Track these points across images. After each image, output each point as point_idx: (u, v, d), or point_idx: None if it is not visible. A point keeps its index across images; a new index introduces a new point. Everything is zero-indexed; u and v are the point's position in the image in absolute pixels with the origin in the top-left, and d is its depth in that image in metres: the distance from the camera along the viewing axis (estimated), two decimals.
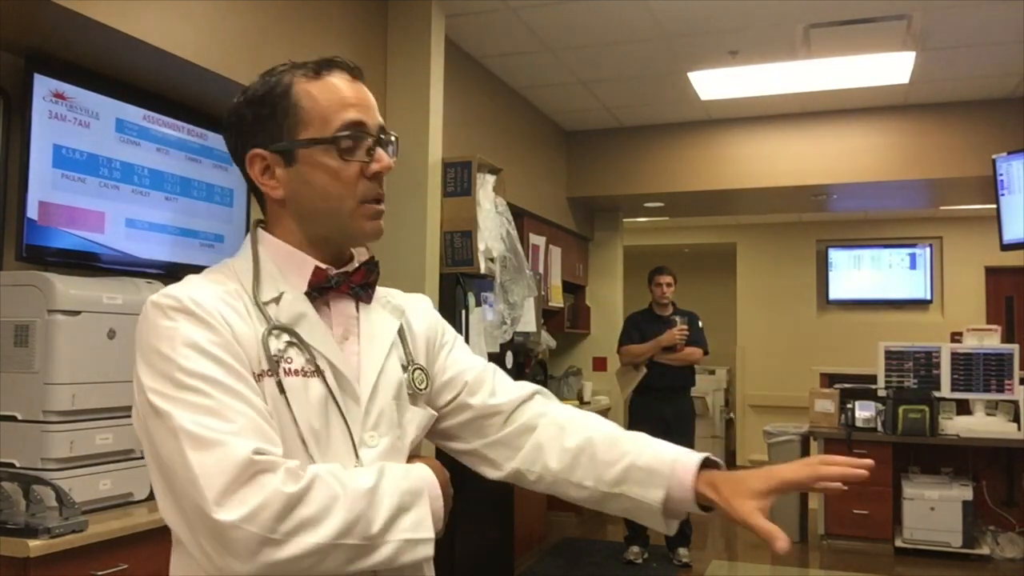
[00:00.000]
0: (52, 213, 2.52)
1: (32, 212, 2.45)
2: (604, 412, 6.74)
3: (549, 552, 5.44)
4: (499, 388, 1.21)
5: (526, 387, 1.22)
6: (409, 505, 0.98)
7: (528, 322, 4.73)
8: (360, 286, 1.13)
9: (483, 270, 3.99)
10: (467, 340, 3.84)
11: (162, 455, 0.93)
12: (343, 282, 1.10)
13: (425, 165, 3.82)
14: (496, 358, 4.12)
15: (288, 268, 1.08)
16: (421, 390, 1.15)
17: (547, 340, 5.93)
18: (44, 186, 2.49)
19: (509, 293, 4.26)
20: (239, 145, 1.10)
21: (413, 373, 1.15)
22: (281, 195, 1.08)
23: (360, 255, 1.18)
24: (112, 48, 2.58)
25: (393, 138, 1.13)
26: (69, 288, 2.26)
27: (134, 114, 2.82)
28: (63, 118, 2.56)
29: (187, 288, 1.02)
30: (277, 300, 1.05)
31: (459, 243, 3.90)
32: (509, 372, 4.61)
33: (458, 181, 3.93)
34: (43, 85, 2.51)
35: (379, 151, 1.09)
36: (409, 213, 3.78)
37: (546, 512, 5.58)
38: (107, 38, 2.48)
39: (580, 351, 7.09)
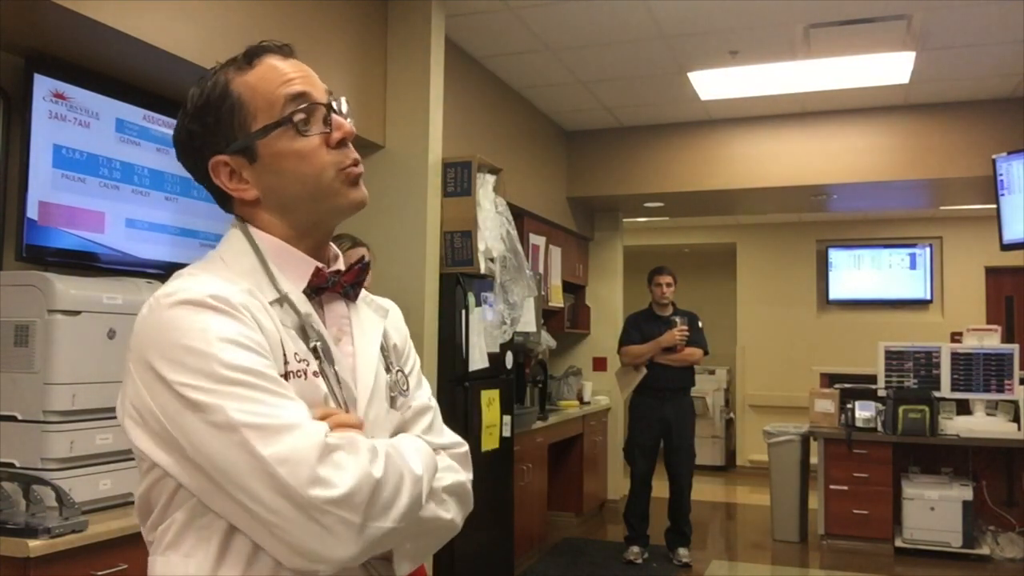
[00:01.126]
0: (52, 213, 2.52)
1: (32, 212, 2.45)
2: (604, 412, 6.75)
3: (549, 552, 5.44)
4: (436, 429, 1.17)
5: (451, 438, 1.16)
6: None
7: (528, 322, 4.73)
8: (351, 285, 1.11)
9: (483, 270, 3.99)
10: (467, 340, 3.85)
11: (209, 452, 0.89)
12: (337, 282, 1.09)
13: (425, 165, 3.82)
14: (496, 358, 4.12)
15: (285, 266, 1.05)
16: (404, 392, 1.14)
17: (547, 340, 5.93)
18: (44, 186, 2.49)
19: (509, 293, 4.26)
20: (197, 161, 1.06)
21: (397, 375, 1.15)
22: (255, 195, 1.05)
23: (353, 256, 1.16)
24: (112, 48, 2.58)
25: (343, 100, 1.09)
26: (69, 288, 2.25)
27: (134, 114, 2.82)
28: (63, 118, 2.56)
29: (206, 285, 0.97)
30: (282, 300, 1.03)
31: (459, 243, 3.89)
32: (509, 372, 4.60)
33: (458, 181, 3.93)
34: (43, 85, 2.51)
35: (335, 118, 1.05)
36: (409, 213, 3.77)
37: (546, 512, 5.57)
38: (107, 38, 2.48)
39: (580, 351, 7.09)
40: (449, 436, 1.16)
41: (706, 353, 5.34)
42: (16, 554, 1.95)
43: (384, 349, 1.14)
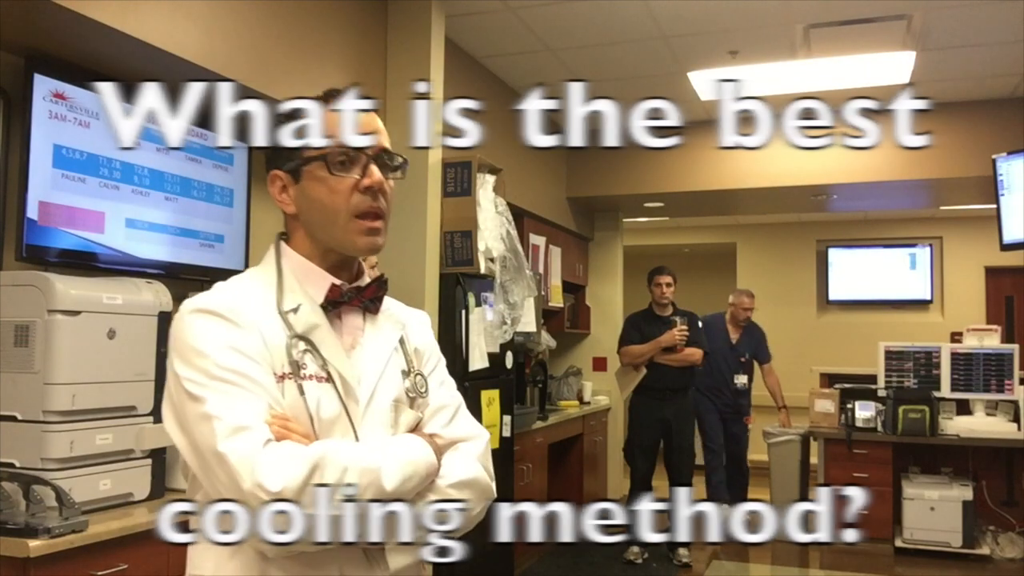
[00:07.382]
0: (52, 213, 2.52)
1: (32, 212, 2.45)
2: (604, 412, 6.74)
3: (549, 552, 5.44)
4: (454, 423, 1.26)
5: (467, 431, 1.25)
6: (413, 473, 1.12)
7: (528, 322, 4.73)
8: (370, 300, 1.23)
9: (483, 270, 3.99)
10: (467, 340, 3.85)
11: (194, 436, 1.06)
12: (355, 297, 1.21)
13: (425, 165, 3.81)
14: (496, 358, 4.12)
15: (307, 280, 1.20)
16: (423, 394, 1.25)
17: (547, 340, 5.92)
18: (44, 186, 2.49)
19: (509, 293, 4.26)
20: (267, 169, 1.23)
21: (415, 378, 1.25)
22: (293, 210, 1.21)
23: (371, 270, 1.27)
24: (112, 48, 2.58)
25: (399, 160, 1.21)
26: (69, 288, 2.26)
27: None
28: (63, 118, 2.56)
29: (222, 297, 1.14)
30: (295, 310, 1.16)
31: (459, 243, 3.90)
32: (509, 372, 4.59)
33: (458, 181, 3.93)
34: (43, 85, 2.51)
35: (372, 167, 1.17)
36: (409, 213, 3.77)
37: None
38: (107, 38, 2.49)
39: (580, 351, 7.08)
40: (465, 430, 1.25)
41: (706, 353, 5.34)
42: (16, 554, 1.95)
43: (406, 355, 1.26)
